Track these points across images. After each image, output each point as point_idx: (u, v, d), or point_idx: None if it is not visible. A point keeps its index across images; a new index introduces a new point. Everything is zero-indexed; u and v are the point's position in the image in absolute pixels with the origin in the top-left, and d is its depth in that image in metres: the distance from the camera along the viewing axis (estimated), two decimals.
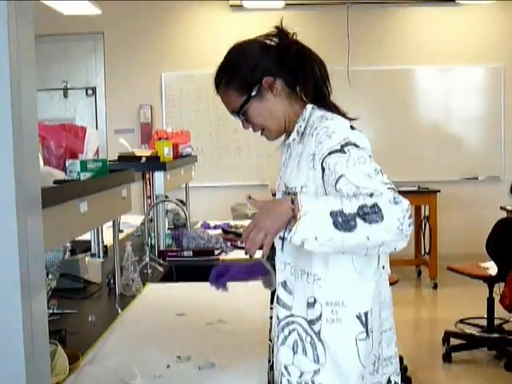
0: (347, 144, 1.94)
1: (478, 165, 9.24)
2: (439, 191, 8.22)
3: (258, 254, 1.97)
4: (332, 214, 1.82)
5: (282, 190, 2.12)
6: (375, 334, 2.07)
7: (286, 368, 2.11)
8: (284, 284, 2.13)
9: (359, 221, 1.81)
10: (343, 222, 1.81)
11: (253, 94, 2.13)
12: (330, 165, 1.92)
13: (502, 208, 7.31)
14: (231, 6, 8.86)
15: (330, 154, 1.94)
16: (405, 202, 1.83)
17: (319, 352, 2.04)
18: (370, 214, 1.80)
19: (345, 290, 2.04)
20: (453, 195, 9.00)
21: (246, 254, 1.92)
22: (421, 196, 8.17)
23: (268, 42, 2.19)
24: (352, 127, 2.04)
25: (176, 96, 9.16)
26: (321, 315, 2.03)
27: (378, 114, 8.84)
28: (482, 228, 6.29)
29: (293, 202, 1.87)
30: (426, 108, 9.26)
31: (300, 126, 2.12)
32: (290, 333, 2.10)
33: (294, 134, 2.14)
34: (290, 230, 1.85)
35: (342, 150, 1.93)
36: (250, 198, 1.98)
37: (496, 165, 9.27)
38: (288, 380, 2.11)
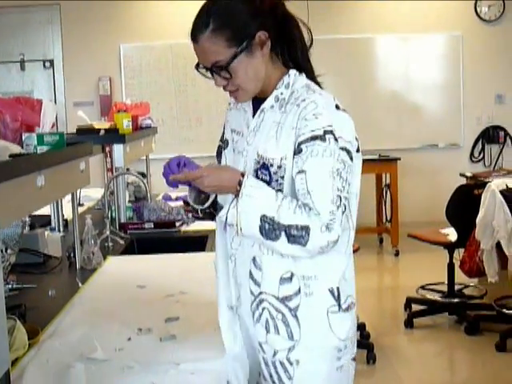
0: (330, 132, 1.89)
1: (438, 132, 9.32)
2: (400, 159, 8.27)
3: None
4: (262, 218, 1.89)
5: (254, 159, 2.00)
6: (352, 307, 2.08)
7: (260, 345, 2.08)
8: (254, 260, 2.03)
9: (283, 236, 1.88)
10: (269, 230, 1.89)
11: (243, 47, 1.93)
12: (307, 152, 1.90)
13: (461, 175, 7.37)
14: None
15: (312, 139, 1.89)
16: (334, 233, 1.88)
17: (293, 329, 2.01)
18: (297, 236, 1.88)
19: (318, 263, 1.99)
20: (413, 163, 9.07)
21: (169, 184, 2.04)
22: (382, 164, 8.23)
23: None
24: (337, 106, 1.97)
25: (135, 67, 9.08)
26: (299, 290, 1.99)
27: (338, 83, 8.81)
28: (442, 195, 6.35)
29: (240, 184, 1.92)
30: (386, 76, 9.30)
31: (281, 93, 2.00)
32: (262, 310, 2.04)
33: (271, 100, 2.02)
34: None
35: (322, 138, 1.89)
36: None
37: (456, 132, 9.36)
38: (263, 357, 2.09)
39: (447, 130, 9.36)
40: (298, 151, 1.91)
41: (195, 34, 1.95)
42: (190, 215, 4.47)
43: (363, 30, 9.16)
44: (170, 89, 9.04)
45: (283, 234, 1.87)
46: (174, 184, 2.04)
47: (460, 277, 5.76)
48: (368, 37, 9.21)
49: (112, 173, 4.50)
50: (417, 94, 9.32)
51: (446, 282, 5.84)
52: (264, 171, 1.97)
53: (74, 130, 4.41)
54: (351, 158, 1.95)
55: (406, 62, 9.30)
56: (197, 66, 2.02)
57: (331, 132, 1.90)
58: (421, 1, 9.11)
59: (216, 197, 2.10)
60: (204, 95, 8.81)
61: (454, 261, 5.72)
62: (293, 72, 2.03)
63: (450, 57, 9.32)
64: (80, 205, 4.80)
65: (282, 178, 1.95)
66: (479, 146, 9.46)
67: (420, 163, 9.26)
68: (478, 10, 9.26)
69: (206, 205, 2.09)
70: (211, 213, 2.14)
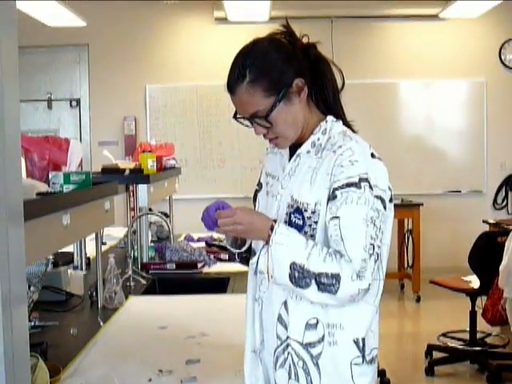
0: (365, 180, 1.90)
1: (461, 178, 9.28)
2: (422, 204, 8.24)
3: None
4: (292, 266, 1.87)
5: (288, 203, 1.99)
6: (376, 360, 2.03)
7: None
8: (285, 303, 1.99)
9: (313, 284, 1.86)
10: (298, 278, 1.87)
11: (281, 96, 1.95)
12: (342, 199, 1.88)
13: (484, 221, 7.34)
14: (216, 18, 8.85)
15: (347, 185, 1.88)
16: (366, 282, 1.86)
17: (313, 377, 1.95)
18: (327, 285, 1.86)
19: (345, 312, 1.95)
20: (436, 208, 9.03)
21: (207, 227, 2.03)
22: (404, 209, 8.18)
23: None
24: (373, 155, 1.98)
25: (160, 108, 9.15)
26: (323, 337, 1.95)
27: (362, 128, 8.78)
28: (464, 241, 6.31)
29: (271, 229, 1.92)
30: (410, 122, 9.30)
31: (318, 139, 2.01)
32: (288, 355, 1.99)
33: (307, 146, 2.02)
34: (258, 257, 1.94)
35: (358, 185, 1.88)
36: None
37: (479, 178, 9.31)
38: None
39: (470, 176, 9.33)
40: (332, 197, 1.90)
41: (232, 86, 1.97)
42: (212, 256, 4.48)
43: (387, 75, 9.17)
44: (194, 130, 9.10)
45: (313, 282, 1.85)
46: (212, 227, 2.02)
47: (482, 325, 5.70)
48: (391, 82, 9.22)
49: (135, 212, 4.52)
50: (440, 140, 9.30)
51: (468, 330, 5.77)
52: (298, 215, 1.96)
53: (99, 169, 4.45)
54: (385, 207, 1.95)
55: (429, 108, 9.29)
56: (235, 116, 2.04)
57: (366, 180, 1.90)
58: (445, 47, 9.16)
59: (251, 242, 2.09)
60: (227, 137, 8.85)
61: (476, 308, 5.66)
62: (330, 118, 2.05)
63: (473, 102, 9.32)
64: (102, 243, 4.82)
65: (316, 223, 1.93)
66: (503, 192, 9.40)
67: (442, 209, 9.22)
68: (503, 57, 9.28)
69: (243, 249, 2.10)
70: (247, 258, 2.12)
